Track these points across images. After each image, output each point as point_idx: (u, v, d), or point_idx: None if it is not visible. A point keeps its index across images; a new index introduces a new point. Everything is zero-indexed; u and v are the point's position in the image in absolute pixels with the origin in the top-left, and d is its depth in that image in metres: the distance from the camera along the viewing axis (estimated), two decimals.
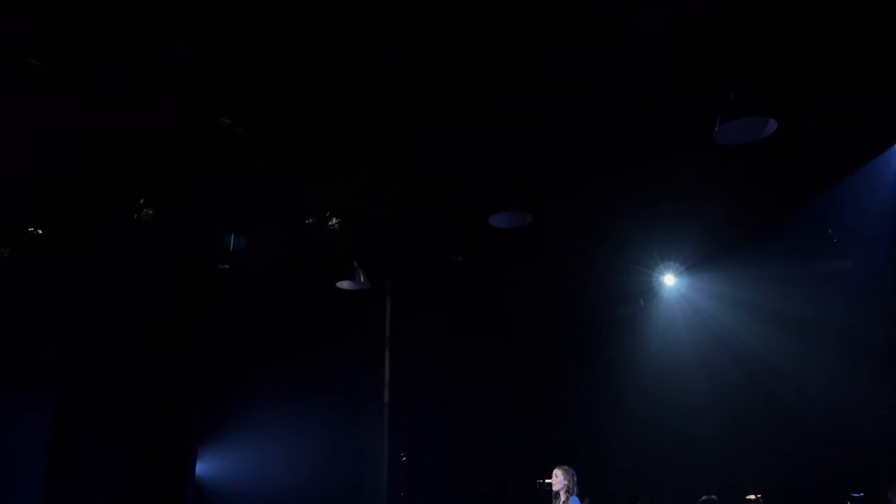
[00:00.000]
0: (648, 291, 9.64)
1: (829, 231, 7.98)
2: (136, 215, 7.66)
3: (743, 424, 8.79)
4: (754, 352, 8.90)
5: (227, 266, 9.28)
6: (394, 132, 6.71)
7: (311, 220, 7.65)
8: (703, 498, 7.76)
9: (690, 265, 9.06)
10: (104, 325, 9.60)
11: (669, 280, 9.43)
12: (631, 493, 8.82)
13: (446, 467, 10.37)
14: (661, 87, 5.81)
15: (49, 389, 9.53)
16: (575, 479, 7.16)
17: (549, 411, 10.06)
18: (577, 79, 5.71)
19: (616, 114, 6.17)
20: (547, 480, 7.41)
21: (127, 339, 9.67)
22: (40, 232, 8.06)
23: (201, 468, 10.15)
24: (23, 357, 9.37)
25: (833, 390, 8.45)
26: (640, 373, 9.68)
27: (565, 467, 7.16)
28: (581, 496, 8.87)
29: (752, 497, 8.18)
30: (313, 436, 10.33)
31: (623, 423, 9.51)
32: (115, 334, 9.62)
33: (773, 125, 5.52)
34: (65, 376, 9.61)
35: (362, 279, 8.75)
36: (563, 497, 7.06)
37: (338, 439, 10.53)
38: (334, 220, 7.90)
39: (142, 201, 7.60)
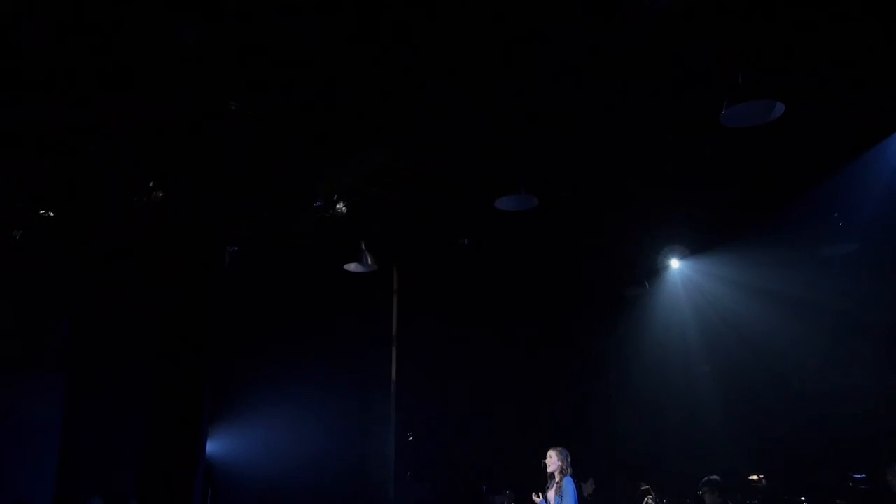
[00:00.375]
0: (654, 274, 9.62)
1: (835, 214, 7.93)
2: (145, 198, 7.68)
3: (745, 406, 8.82)
4: (758, 333, 8.89)
5: (235, 248, 9.31)
6: (401, 116, 6.68)
7: (318, 203, 7.64)
8: (706, 479, 7.80)
9: (696, 248, 9.03)
10: (114, 307, 9.66)
11: (675, 263, 9.41)
12: (634, 473, 8.85)
13: (451, 447, 10.43)
14: (667, 68, 5.75)
15: (61, 369, 9.62)
16: (569, 459, 7.23)
17: (554, 392, 10.11)
18: (585, 60, 5.67)
19: (623, 96, 6.13)
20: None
21: (137, 321, 9.73)
22: (51, 214, 8.09)
23: (212, 447, 10.23)
24: (36, 338, 9.45)
25: (835, 372, 8.46)
26: (644, 353, 9.70)
27: (559, 448, 7.22)
28: (579, 476, 8.95)
29: (755, 478, 8.20)
30: (321, 416, 10.39)
31: (627, 404, 9.56)
32: (125, 315, 9.68)
33: (780, 108, 5.47)
34: (77, 356, 9.70)
35: (369, 262, 8.75)
36: (557, 477, 7.14)
37: (345, 419, 10.60)
38: (342, 204, 7.88)
39: (151, 184, 7.62)
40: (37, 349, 9.46)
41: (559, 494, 7.04)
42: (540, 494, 7.13)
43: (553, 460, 7.20)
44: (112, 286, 9.64)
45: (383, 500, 9.99)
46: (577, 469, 9.09)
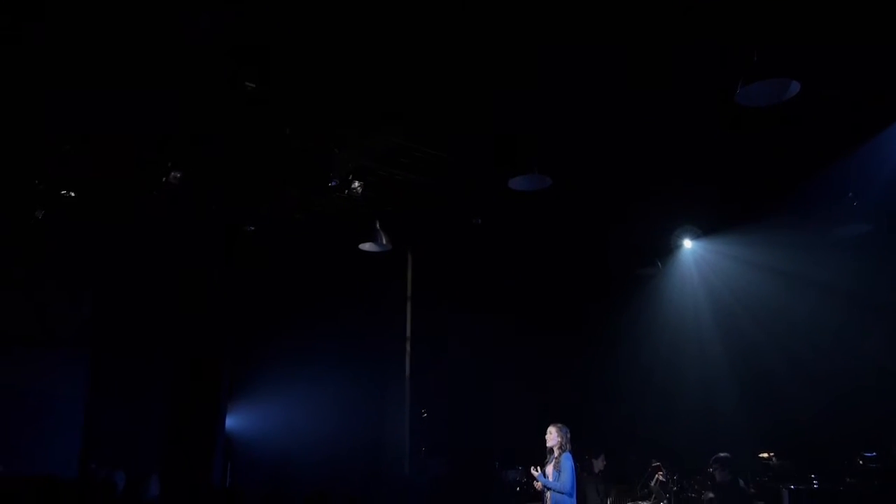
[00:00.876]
0: (667, 254, 9.56)
1: (850, 195, 7.82)
2: (164, 178, 7.71)
3: (757, 384, 8.78)
4: (770, 313, 8.83)
5: (252, 228, 9.35)
6: (415, 95, 6.66)
7: (334, 183, 7.64)
8: (716, 456, 7.80)
9: (709, 229, 8.96)
10: (136, 284, 9.76)
11: (688, 243, 9.35)
12: (645, 450, 8.86)
13: (465, 424, 10.49)
14: (682, 47, 5.67)
15: (84, 347, 9.74)
16: (568, 436, 7.28)
17: (566, 370, 10.11)
18: (598, 39, 5.60)
19: (637, 75, 6.06)
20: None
21: (158, 299, 9.83)
22: (72, 194, 8.15)
23: (231, 423, 10.36)
24: (59, 316, 9.57)
25: (847, 351, 8.40)
26: (657, 333, 9.67)
27: (559, 425, 7.27)
28: (592, 452, 9.00)
29: (765, 455, 8.18)
30: (337, 393, 10.47)
31: (639, 382, 9.54)
32: (147, 293, 9.78)
33: (795, 87, 5.38)
34: (99, 334, 9.81)
35: (384, 241, 8.76)
36: (556, 452, 7.19)
37: (361, 397, 10.68)
38: (357, 184, 7.88)
39: (169, 164, 7.65)
40: (60, 327, 9.58)
41: (557, 469, 7.09)
42: (538, 468, 7.20)
43: (552, 436, 7.26)
44: (132, 264, 9.73)
45: (398, 474, 10.09)
46: (590, 445, 9.17)
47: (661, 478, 8.03)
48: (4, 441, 8.68)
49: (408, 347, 10.52)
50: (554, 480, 7.08)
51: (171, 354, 9.65)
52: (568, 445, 7.27)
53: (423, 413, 10.66)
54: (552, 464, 7.19)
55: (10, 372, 9.20)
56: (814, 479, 7.35)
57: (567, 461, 7.18)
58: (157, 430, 9.69)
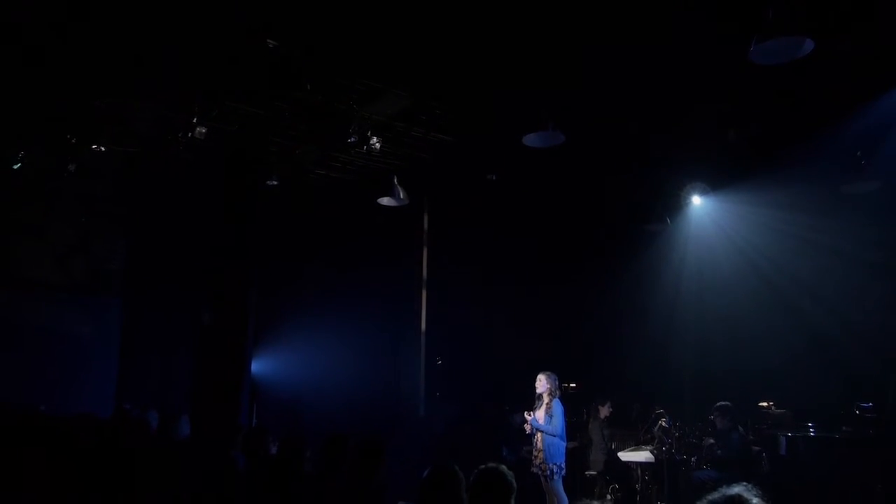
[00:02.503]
0: (675, 210, 9.44)
1: (857, 153, 7.64)
2: (189, 133, 7.68)
3: (759, 336, 8.74)
4: (774, 269, 8.74)
5: (275, 182, 9.32)
6: (431, 53, 6.53)
7: (353, 139, 7.57)
8: (718, 404, 7.83)
9: (717, 186, 8.81)
10: (166, 237, 9.81)
11: (697, 200, 9.21)
12: (649, 399, 8.91)
13: (476, 371, 10.58)
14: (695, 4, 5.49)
15: (118, 295, 9.87)
16: (557, 383, 7.41)
17: (576, 320, 10.11)
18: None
19: (650, 33, 5.88)
20: (572, 385, 7.60)
21: (187, 251, 9.88)
22: (103, 149, 8.14)
23: (256, 367, 10.51)
24: (94, 265, 9.67)
25: (850, 305, 8.32)
26: (664, 285, 9.62)
27: (548, 373, 7.40)
28: (598, 400, 9.09)
29: (765, 404, 8.20)
30: (357, 341, 10.57)
31: (645, 334, 9.53)
32: (176, 245, 9.83)
33: (809, 45, 5.19)
34: (132, 283, 9.92)
35: (402, 196, 8.72)
36: (546, 399, 7.31)
37: (379, 344, 10.78)
38: (375, 140, 7.81)
39: (194, 120, 7.60)
40: (95, 276, 9.69)
41: (549, 414, 7.25)
42: (531, 413, 7.33)
43: (542, 383, 7.38)
44: (163, 217, 9.77)
45: (414, 417, 10.24)
46: (597, 394, 9.24)
47: (663, 424, 8.09)
48: (46, 382, 8.87)
49: (423, 299, 10.56)
50: (546, 424, 7.22)
51: (200, 302, 9.73)
52: (557, 392, 7.39)
53: (438, 361, 10.77)
54: (542, 409, 7.32)
55: (51, 318, 9.36)
56: (810, 427, 7.36)
57: (558, 407, 7.32)
58: (187, 373, 9.85)
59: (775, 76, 6.07)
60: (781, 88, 6.63)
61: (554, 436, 7.23)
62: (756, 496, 2.06)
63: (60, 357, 9.30)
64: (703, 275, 9.42)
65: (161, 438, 5.70)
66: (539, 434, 7.29)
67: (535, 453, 7.38)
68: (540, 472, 7.27)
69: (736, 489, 2.08)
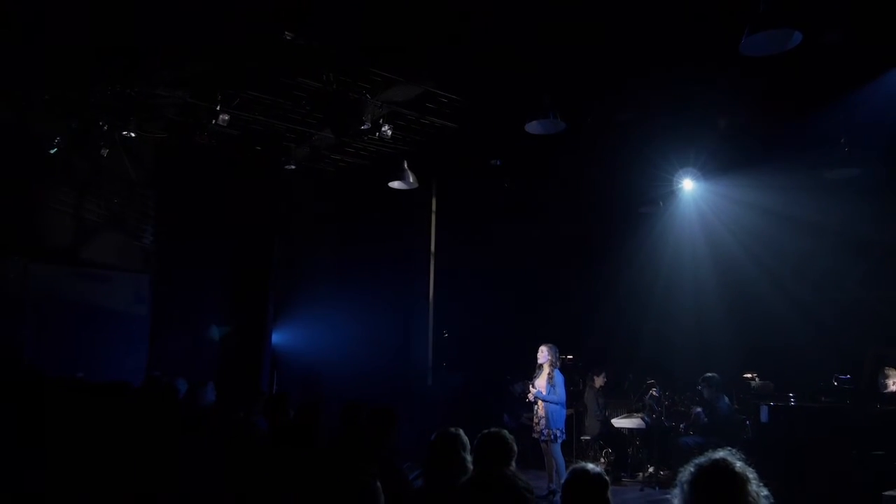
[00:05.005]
0: (668, 194, 9.38)
1: (842, 140, 7.54)
2: (213, 120, 7.66)
3: (744, 312, 8.72)
4: (759, 249, 8.69)
5: (293, 166, 9.31)
6: (440, 46, 6.46)
7: (366, 126, 7.53)
8: (705, 375, 7.84)
9: (707, 171, 8.73)
10: (191, 218, 9.83)
11: (688, 184, 9.14)
12: (642, 370, 8.93)
13: (480, 343, 10.61)
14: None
15: (147, 272, 9.92)
16: (557, 354, 7.42)
17: (573, 297, 10.10)
18: None
19: (646, 28, 5.79)
20: (569, 356, 7.63)
21: (211, 232, 9.91)
22: (132, 135, 8.14)
23: (276, 338, 10.58)
24: (125, 243, 9.71)
25: (830, 286, 8.28)
26: (656, 265, 9.59)
27: (550, 345, 7.43)
28: (594, 371, 9.11)
29: (748, 375, 8.20)
30: (370, 316, 10.60)
31: (638, 309, 9.52)
32: (201, 227, 9.85)
33: (798, 37, 5.10)
34: (160, 260, 9.97)
35: (411, 180, 8.69)
36: (547, 369, 7.34)
37: (391, 319, 10.81)
38: (387, 127, 7.77)
39: (218, 108, 7.58)
40: (127, 253, 9.73)
41: (551, 384, 7.28)
42: (532, 383, 7.38)
43: (544, 354, 7.40)
44: (190, 197, 9.78)
45: (422, 385, 10.30)
46: (593, 365, 9.26)
47: (654, 393, 8.12)
48: (84, 352, 8.95)
49: (431, 277, 10.57)
50: (549, 394, 7.27)
51: (224, 279, 9.79)
52: (557, 362, 7.41)
53: (445, 334, 10.81)
54: (545, 378, 7.34)
55: (87, 293, 9.41)
56: (791, 397, 7.36)
57: (559, 376, 7.36)
58: (212, 344, 9.93)
59: (765, 66, 5.97)
60: (770, 78, 6.53)
61: (556, 403, 7.27)
62: (739, 460, 2.06)
63: (97, 329, 9.37)
64: (694, 254, 9.39)
65: (188, 404, 5.75)
66: (541, 402, 7.33)
67: (536, 419, 7.42)
68: (542, 437, 7.31)
69: (720, 453, 2.08)
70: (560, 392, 7.29)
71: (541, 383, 7.36)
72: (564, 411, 7.43)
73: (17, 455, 3.62)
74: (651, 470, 8.02)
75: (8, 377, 6.10)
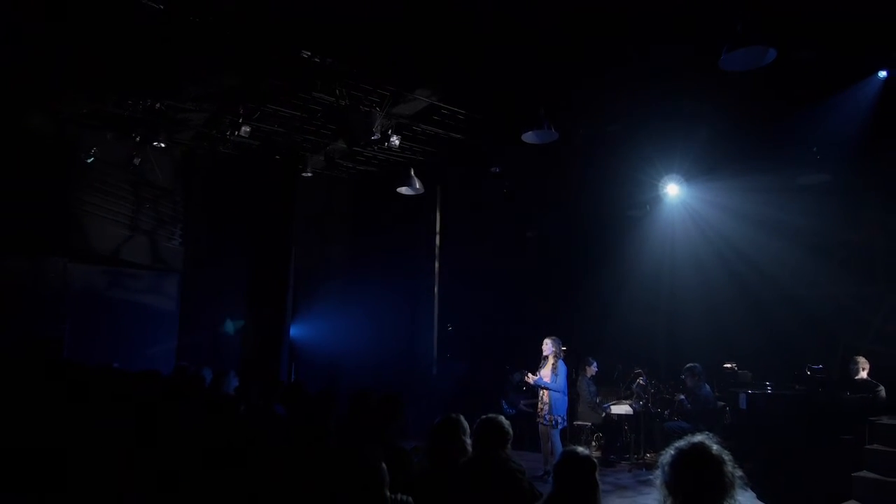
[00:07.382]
0: (654, 198, 9.35)
1: (814, 149, 7.52)
2: (235, 132, 7.69)
3: (724, 309, 8.66)
4: (737, 249, 8.64)
5: (309, 174, 9.32)
6: (444, 62, 6.47)
7: (375, 136, 7.55)
8: (688, 365, 7.82)
9: (690, 177, 8.71)
10: (216, 222, 9.87)
11: (672, 189, 9.11)
12: (630, 361, 8.90)
13: (482, 336, 10.60)
14: (670, 15, 5.37)
15: (175, 271, 9.96)
16: (560, 345, 7.38)
17: (565, 293, 10.08)
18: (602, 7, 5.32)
19: (634, 45, 5.78)
20: (563, 348, 7.61)
21: (234, 234, 9.94)
22: (163, 145, 8.16)
23: (294, 332, 10.59)
24: (156, 245, 9.75)
25: (803, 283, 8.25)
26: (642, 264, 9.55)
27: (554, 337, 7.40)
28: (586, 360, 9.08)
29: (728, 366, 8.18)
30: (380, 310, 10.61)
31: (626, 304, 9.49)
32: (225, 229, 9.89)
33: (772, 54, 5.09)
34: (188, 260, 10.01)
35: (418, 186, 8.70)
36: (551, 360, 7.31)
37: (398, 313, 10.82)
38: (395, 137, 7.79)
39: (240, 120, 7.61)
40: (158, 254, 9.77)
41: (555, 373, 7.26)
42: (537, 373, 7.34)
43: (548, 346, 7.38)
44: (214, 203, 9.82)
45: (428, 374, 10.30)
46: (584, 355, 9.23)
47: (641, 382, 8.10)
48: (118, 344, 9.00)
49: (436, 275, 10.57)
50: (552, 382, 7.24)
51: (246, 277, 9.81)
52: (561, 353, 7.39)
53: (449, 327, 10.81)
54: (548, 368, 7.32)
55: (121, 290, 9.47)
56: (768, 385, 7.34)
57: (562, 367, 7.33)
58: (236, 336, 9.96)
59: (742, 80, 5.96)
60: (747, 91, 6.51)
61: (556, 391, 7.24)
62: (716, 444, 2.07)
63: (129, 323, 9.42)
64: (676, 254, 9.35)
65: (213, 391, 5.77)
66: (545, 390, 7.31)
67: (541, 406, 7.39)
68: (544, 422, 7.29)
69: (699, 437, 2.10)
70: (562, 381, 7.26)
71: (545, 372, 7.34)
72: (567, 400, 7.39)
73: (65, 429, 3.70)
74: (639, 454, 8.00)
75: (54, 366, 6.16)
